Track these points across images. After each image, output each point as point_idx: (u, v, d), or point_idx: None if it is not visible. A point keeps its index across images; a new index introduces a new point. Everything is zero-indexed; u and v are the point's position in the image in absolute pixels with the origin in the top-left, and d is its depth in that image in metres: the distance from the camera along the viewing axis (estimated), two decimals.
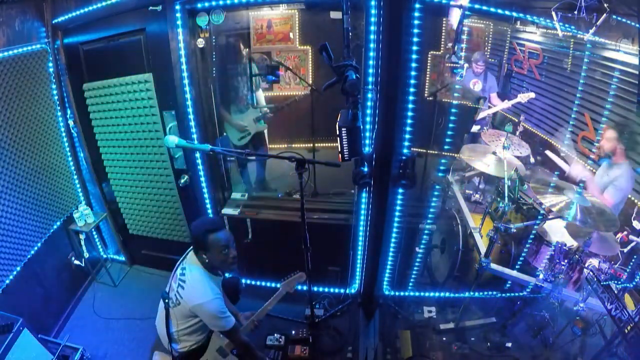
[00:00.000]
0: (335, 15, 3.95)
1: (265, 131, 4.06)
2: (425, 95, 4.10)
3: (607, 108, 3.09)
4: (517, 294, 3.02)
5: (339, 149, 1.89)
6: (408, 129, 2.30)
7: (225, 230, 2.12)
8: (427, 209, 2.93)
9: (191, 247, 2.19)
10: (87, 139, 3.21)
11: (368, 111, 2.37)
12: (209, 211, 3.14)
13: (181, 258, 2.21)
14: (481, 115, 4.08)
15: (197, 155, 2.91)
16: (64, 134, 3.11)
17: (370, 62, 2.25)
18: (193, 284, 2.03)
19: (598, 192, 2.86)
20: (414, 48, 2.10)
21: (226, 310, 2.06)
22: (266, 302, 2.41)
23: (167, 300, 2.10)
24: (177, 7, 2.47)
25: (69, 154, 3.19)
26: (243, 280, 3.44)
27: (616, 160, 2.83)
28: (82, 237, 3.35)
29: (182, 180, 3.05)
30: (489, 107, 4.20)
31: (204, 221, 2.15)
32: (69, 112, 3.10)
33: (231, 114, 3.64)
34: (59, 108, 3.02)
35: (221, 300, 2.06)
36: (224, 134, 3.53)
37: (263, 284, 3.39)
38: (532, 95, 3.84)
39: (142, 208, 3.40)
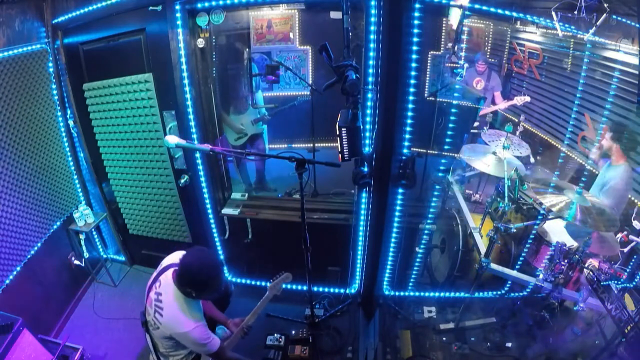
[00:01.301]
0: (335, 15, 3.96)
1: (265, 133, 4.06)
2: (425, 95, 4.10)
3: (607, 108, 3.09)
4: (517, 294, 3.02)
5: (339, 149, 1.89)
6: (408, 129, 2.30)
7: (224, 274, 2.00)
8: (427, 209, 2.93)
9: (163, 270, 2.03)
10: (87, 139, 3.21)
11: (368, 111, 2.37)
12: (209, 211, 3.14)
13: (152, 279, 2.04)
14: (482, 112, 4.11)
15: (197, 155, 2.91)
16: (64, 134, 3.11)
17: (370, 62, 2.25)
18: (173, 312, 1.90)
19: None
20: (414, 48, 2.09)
21: (210, 334, 1.96)
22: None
23: (146, 325, 2.01)
24: (177, 7, 2.47)
25: (69, 154, 3.19)
26: (243, 281, 3.45)
27: (615, 162, 2.82)
28: (82, 237, 3.35)
29: (182, 180, 3.05)
30: (491, 105, 4.23)
31: (209, 267, 1.89)
32: (69, 112, 3.10)
33: (230, 114, 3.64)
34: (59, 108, 3.02)
35: (204, 327, 1.94)
36: (224, 133, 3.54)
37: (263, 284, 3.39)
38: (528, 99, 3.90)
39: (142, 208, 3.40)
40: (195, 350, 2.02)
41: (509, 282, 2.97)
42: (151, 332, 2.02)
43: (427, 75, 4.53)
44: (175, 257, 2.06)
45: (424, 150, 3.62)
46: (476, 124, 4.01)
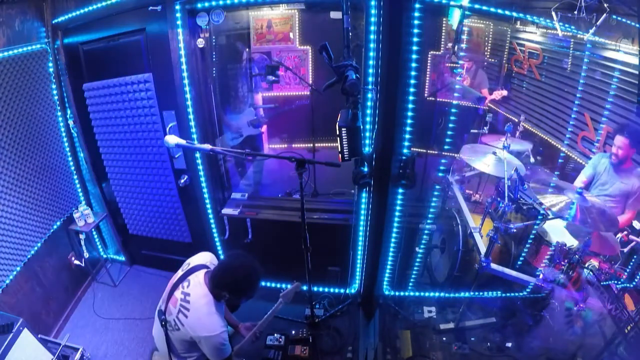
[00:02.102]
0: (335, 15, 3.96)
1: (264, 135, 4.05)
2: (425, 95, 4.10)
3: (607, 108, 3.09)
4: (517, 294, 3.02)
5: (339, 149, 1.89)
6: (408, 129, 2.30)
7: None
8: (427, 209, 2.93)
9: (192, 270, 2.02)
10: (87, 139, 3.21)
11: (368, 111, 2.37)
12: (209, 211, 3.14)
13: (178, 278, 2.03)
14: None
15: (197, 155, 2.91)
16: (64, 134, 3.11)
17: (370, 62, 2.25)
18: (199, 315, 1.89)
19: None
20: (414, 48, 2.09)
21: (227, 340, 1.96)
22: (267, 312, 2.33)
23: (164, 324, 1.98)
24: (177, 7, 2.47)
25: (69, 154, 3.19)
26: None
27: (626, 165, 2.79)
28: (82, 237, 3.35)
29: (182, 180, 3.05)
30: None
31: (253, 273, 1.93)
32: (69, 112, 3.10)
33: (227, 114, 3.64)
34: (59, 108, 3.02)
35: (226, 333, 1.95)
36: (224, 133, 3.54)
37: (263, 284, 3.39)
38: (505, 93, 3.94)
39: (142, 208, 3.40)
40: (207, 354, 1.99)
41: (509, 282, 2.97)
42: (169, 332, 2.00)
43: (427, 75, 4.53)
44: (204, 258, 2.07)
45: (424, 150, 3.63)
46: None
